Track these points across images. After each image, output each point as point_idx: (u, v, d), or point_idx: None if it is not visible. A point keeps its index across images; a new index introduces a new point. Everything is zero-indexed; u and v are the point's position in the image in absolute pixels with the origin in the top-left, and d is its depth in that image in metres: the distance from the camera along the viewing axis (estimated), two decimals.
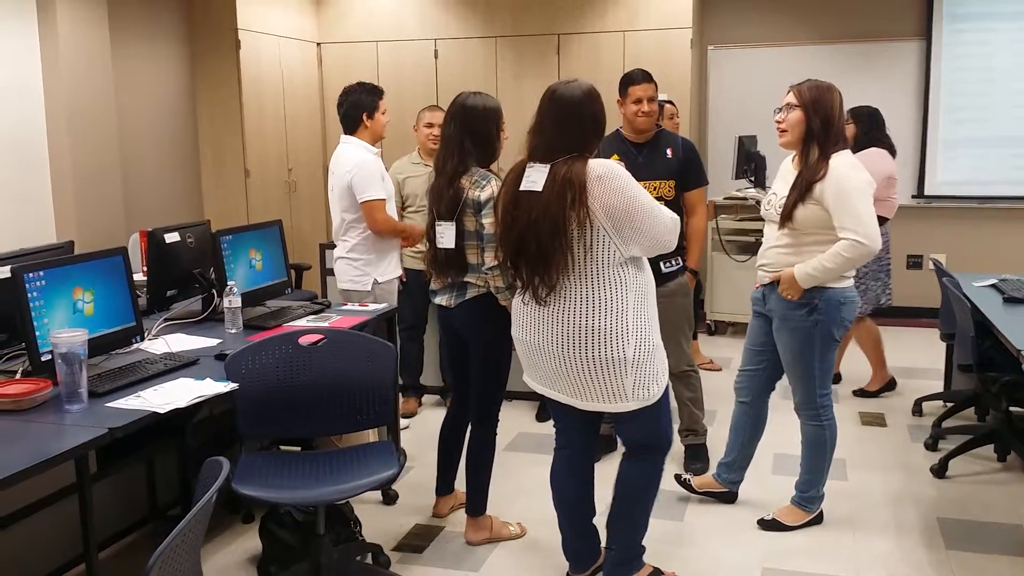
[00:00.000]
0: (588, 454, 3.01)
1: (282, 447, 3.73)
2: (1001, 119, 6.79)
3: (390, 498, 3.76)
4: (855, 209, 3.07)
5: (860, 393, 5.22)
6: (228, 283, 3.56)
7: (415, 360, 4.98)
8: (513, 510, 3.64)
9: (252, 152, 6.72)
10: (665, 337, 3.71)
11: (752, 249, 6.49)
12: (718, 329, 6.82)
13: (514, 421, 4.71)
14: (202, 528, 1.78)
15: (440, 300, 3.32)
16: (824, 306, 3.21)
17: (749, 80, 7.21)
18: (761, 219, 6.64)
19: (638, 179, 3.29)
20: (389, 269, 4.18)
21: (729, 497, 3.72)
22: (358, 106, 4.12)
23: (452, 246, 3.16)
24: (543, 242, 2.63)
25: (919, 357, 5.86)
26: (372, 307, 3.96)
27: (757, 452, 3.72)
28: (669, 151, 3.94)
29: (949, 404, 4.80)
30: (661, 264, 3.85)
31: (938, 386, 5.20)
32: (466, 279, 3.20)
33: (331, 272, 5.05)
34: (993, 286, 4.42)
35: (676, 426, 4.20)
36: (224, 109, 6.63)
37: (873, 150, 4.81)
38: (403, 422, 4.40)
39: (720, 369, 5.85)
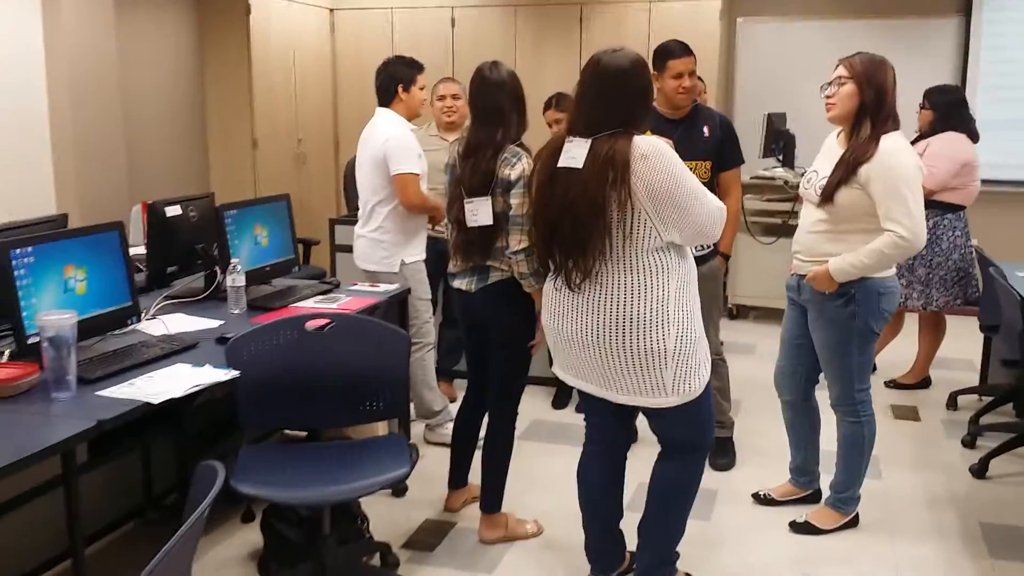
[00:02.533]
0: (621, 452, 2.82)
1: (287, 431, 3.55)
2: None
3: (399, 491, 3.56)
4: (903, 200, 2.84)
5: (893, 384, 4.99)
6: (232, 260, 3.36)
7: (457, 341, 4.71)
8: (527, 505, 3.44)
9: (261, 122, 6.50)
10: None
11: (778, 231, 6.23)
12: (740, 313, 6.59)
13: (529, 408, 4.50)
14: (194, 542, 1.59)
15: (460, 284, 3.11)
16: (862, 297, 2.99)
17: (779, 55, 6.94)
18: (789, 199, 6.53)
19: None
20: (417, 250, 3.97)
21: (813, 498, 3.50)
22: (394, 78, 3.93)
23: (490, 222, 2.94)
24: (580, 223, 2.42)
25: (951, 347, 5.59)
26: (383, 288, 3.75)
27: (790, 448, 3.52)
28: (707, 129, 3.70)
29: (985, 398, 4.58)
30: (692, 247, 3.62)
31: (971, 379, 4.97)
32: (488, 262, 2.99)
33: (342, 249, 4.84)
34: None
35: None
36: (232, 77, 6.40)
37: (947, 134, 4.54)
38: (451, 408, 4.14)
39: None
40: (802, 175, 6.27)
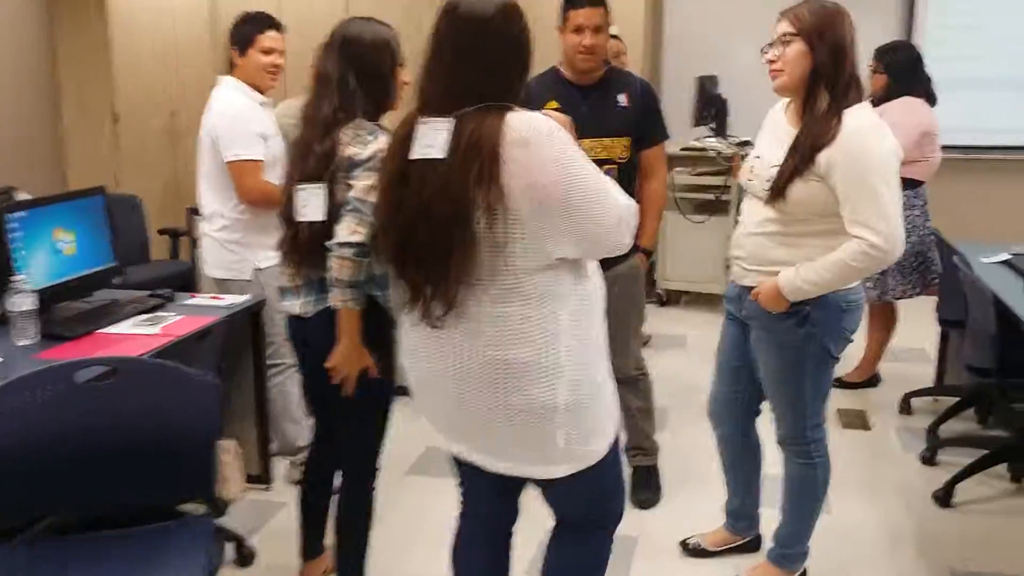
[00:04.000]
0: (504, 529, 2.16)
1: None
2: (997, 59, 5.97)
3: (245, 557, 2.87)
4: (875, 196, 2.21)
5: (838, 383, 4.42)
6: (14, 278, 2.60)
7: None
8: (410, 565, 2.78)
9: (123, 92, 5.63)
10: (610, 333, 2.88)
11: (711, 208, 5.64)
12: (670, 299, 5.98)
13: (421, 430, 3.82)
14: None
15: (292, 305, 2.41)
16: (820, 316, 2.37)
17: (711, 10, 6.29)
18: (722, 172, 5.91)
19: (584, 135, 2.44)
20: (273, 252, 3.23)
21: (754, 544, 2.91)
22: (232, 39, 3.21)
23: (321, 218, 2.24)
24: (439, 236, 1.74)
25: (900, 334, 5.07)
26: (228, 301, 3.03)
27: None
28: (624, 97, 3.03)
29: (942, 399, 4.06)
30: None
31: (925, 373, 4.43)
32: (324, 275, 2.27)
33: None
34: (1007, 263, 3.63)
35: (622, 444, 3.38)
36: (87, 38, 5.51)
37: (902, 99, 3.94)
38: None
39: (648, 340, 5.01)
40: (738, 146, 5.81)
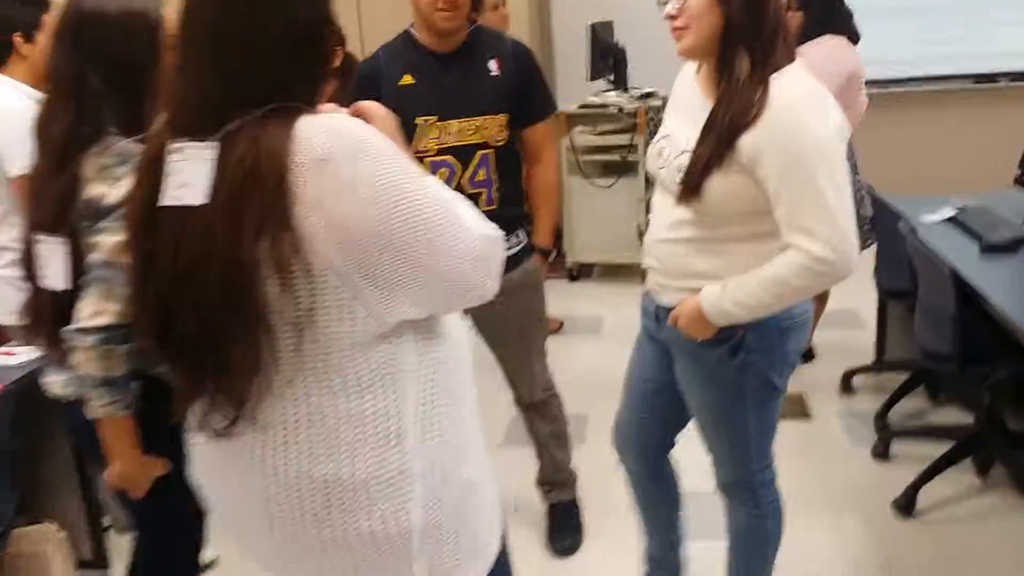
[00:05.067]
0: None
1: None
2: None
3: None
4: (816, 192, 1.66)
5: None
6: None
7: None
8: None
9: None
10: (508, 355, 2.55)
11: (618, 169, 5.09)
12: (581, 273, 5.44)
13: None
14: None
15: (53, 384, 1.77)
16: (757, 341, 1.84)
17: None
18: (627, 131, 5.33)
19: (448, 115, 1.90)
20: None
21: None
22: (6, 26, 2.50)
23: (63, 286, 1.60)
24: (210, 315, 1.15)
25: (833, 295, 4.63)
26: (23, 356, 2.38)
27: None
28: (495, 63, 2.42)
29: (884, 376, 3.65)
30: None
31: (861, 341, 3.99)
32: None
33: None
34: (953, 220, 3.18)
35: (533, 474, 2.85)
36: None
37: (824, 40, 3.40)
38: None
39: (560, 327, 4.50)
40: (641, 99, 5.26)
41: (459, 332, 1.39)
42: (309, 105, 1.20)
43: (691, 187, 1.73)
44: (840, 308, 4.36)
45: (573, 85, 5.42)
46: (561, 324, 4.52)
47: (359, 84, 2.40)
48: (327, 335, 1.17)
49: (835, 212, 1.66)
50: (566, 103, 5.04)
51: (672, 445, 2.22)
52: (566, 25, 5.72)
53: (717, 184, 1.71)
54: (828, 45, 3.37)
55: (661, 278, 1.91)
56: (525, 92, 2.44)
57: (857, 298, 4.18)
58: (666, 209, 1.85)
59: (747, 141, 1.67)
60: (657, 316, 1.97)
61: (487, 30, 2.49)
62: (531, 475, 2.85)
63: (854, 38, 3.49)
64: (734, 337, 1.83)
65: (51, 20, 2.48)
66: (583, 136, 5.16)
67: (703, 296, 1.79)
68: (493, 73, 2.40)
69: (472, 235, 1.25)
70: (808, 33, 3.42)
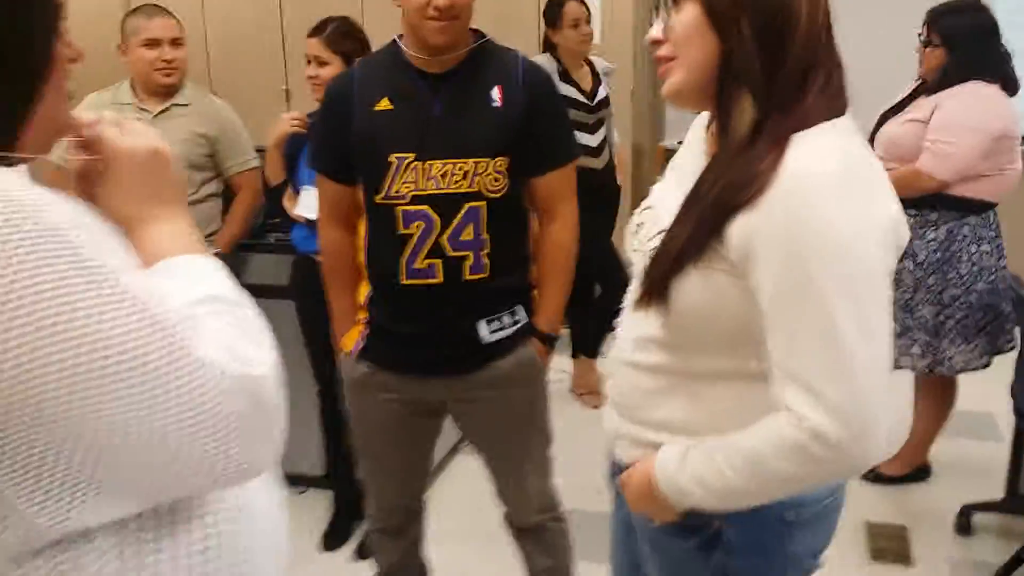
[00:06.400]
0: None
1: None
2: None
3: None
4: (831, 327, 1.03)
5: (872, 477, 3.20)
6: None
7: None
8: None
9: None
10: (494, 465, 2.10)
11: None
12: None
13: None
14: None
15: None
16: (739, 537, 1.22)
17: None
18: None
19: (430, 154, 1.74)
20: None
21: None
22: None
23: None
24: None
25: (965, 394, 3.74)
26: None
27: None
28: (498, 91, 1.85)
29: (1014, 517, 2.87)
30: (482, 325, 1.83)
31: (992, 460, 3.16)
32: None
33: None
34: None
35: None
36: None
37: (968, 87, 2.72)
38: None
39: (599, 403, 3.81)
40: None
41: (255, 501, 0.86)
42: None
43: (654, 287, 1.13)
44: (972, 410, 3.54)
45: (683, 119, 4.76)
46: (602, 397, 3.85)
47: (325, 106, 1.91)
48: None
49: (854, 363, 1.03)
50: (673, 138, 4.47)
51: None
52: None
53: (692, 287, 1.12)
54: (972, 94, 2.66)
55: (618, 419, 1.30)
56: (536, 131, 1.86)
57: (994, 400, 3.35)
58: (637, 317, 1.23)
59: (739, 228, 1.07)
60: (613, 474, 1.36)
61: (496, 47, 1.92)
62: None
63: (1011, 87, 2.74)
64: (707, 527, 1.21)
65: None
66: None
67: (659, 462, 1.19)
68: (495, 104, 1.84)
69: (211, 377, 0.72)
70: (951, 76, 2.70)
